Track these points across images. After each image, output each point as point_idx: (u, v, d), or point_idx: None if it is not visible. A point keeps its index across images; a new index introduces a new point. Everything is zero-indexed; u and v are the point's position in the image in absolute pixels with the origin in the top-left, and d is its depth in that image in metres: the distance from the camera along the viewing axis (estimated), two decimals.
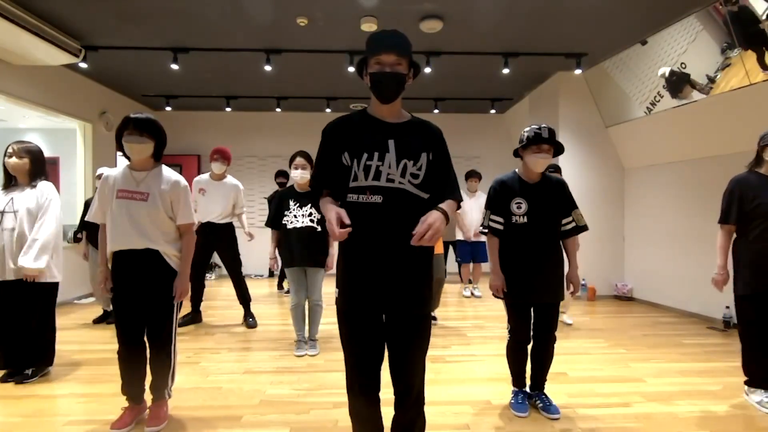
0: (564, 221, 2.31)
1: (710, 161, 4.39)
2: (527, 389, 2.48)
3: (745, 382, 2.53)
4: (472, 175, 5.51)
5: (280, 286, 6.21)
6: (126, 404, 2.24)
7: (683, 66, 4.12)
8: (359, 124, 1.54)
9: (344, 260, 1.52)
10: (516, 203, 2.25)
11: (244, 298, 4.21)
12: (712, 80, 3.89)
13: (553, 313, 2.31)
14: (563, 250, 2.36)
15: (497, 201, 2.30)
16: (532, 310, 2.34)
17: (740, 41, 3.51)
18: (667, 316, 4.68)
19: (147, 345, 2.20)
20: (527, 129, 2.29)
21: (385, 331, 1.52)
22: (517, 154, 2.36)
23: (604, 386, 2.76)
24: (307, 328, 3.46)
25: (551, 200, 2.27)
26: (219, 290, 6.19)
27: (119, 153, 2.16)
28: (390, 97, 1.49)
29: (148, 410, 2.26)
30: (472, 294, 5.69)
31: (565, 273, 2.38)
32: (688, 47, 4.00)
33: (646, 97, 4.71)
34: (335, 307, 1.57)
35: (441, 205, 1.46)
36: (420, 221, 1.35)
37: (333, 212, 1.37)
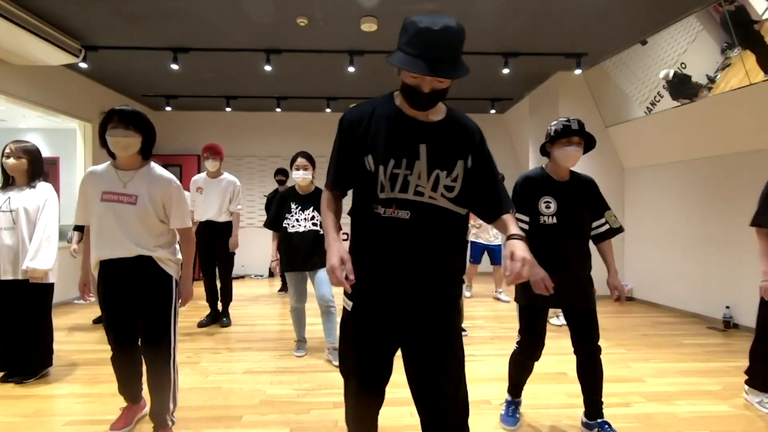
0: (595, 224, 2.14)
1: (710, 161, 4.39)
2: (527, 393, 2.42)
3: (747, 382, 2.51)
4: None
5: (283, 289, 6.08)
6: (124, 404, 2.22)
7: (683, 66, 4.12)
8: (385, 121, 1.27)
9: (364, 276, 1.29)
10: (545, 202, 2.07)
11: (226, 298, 4.22)
12: (712, 80, 3.89)
13: (590, 320, 2.06)
14: (590, 253, 2.16)
15: (523, 198, 2.09)
16: (547, 323, 2.17)
17: (740, 41, 3.51)
18: (667, 316, 4.68)
19: (142, 356, 2.04)
20: (554, 123, 2.11)
21: (412, 361, 1.33)
22: (544, 151, 2.16)
23: (604, 386, 2.74)
24: (306, 330, 3.44)
25: (582, 200, 2.11)
26: None
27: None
28: (424, 109, 1.26)
29: (147, 413, 2.18)
30: (498, 299, 5.48)
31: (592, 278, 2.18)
32: (688, 47, 4.00)
33: (646, 97, 4.72)
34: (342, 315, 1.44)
35: (513, 232, 1.26)
36: (509, 257, 1.17)
37: (336, 256, 1.18)
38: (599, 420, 2.10)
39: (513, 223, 1.32)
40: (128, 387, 2.18)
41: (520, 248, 1.17)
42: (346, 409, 1.48)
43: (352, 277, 1.19)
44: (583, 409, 2.19)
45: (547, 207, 2.07)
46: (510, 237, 1.24)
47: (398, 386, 2.41)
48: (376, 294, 1.30)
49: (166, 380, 1.99)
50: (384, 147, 1.25)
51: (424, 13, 1.19)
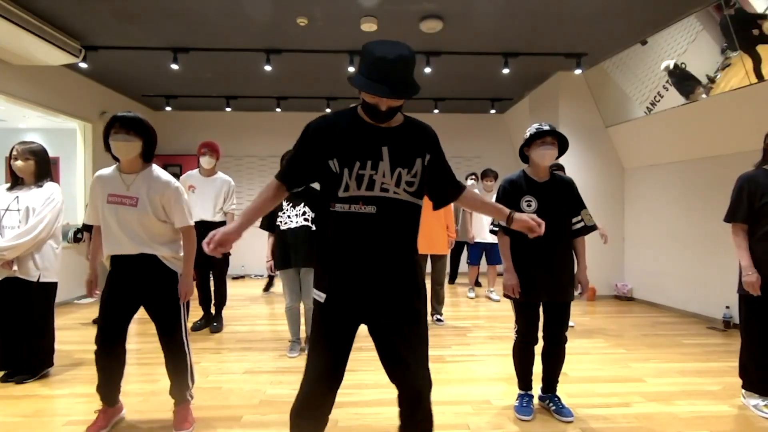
0: (573, 221, 2.30)
1: (710, 161, 4.39)
2: (536, 392, 2.47)
3: (742, 386, 2.52)
4: (488, 174, 5.43)
5: (267, 289, 6.13)
6: (99, 407, 2.17)
7: (683, 66, 4.12)
8: (349, 129, 1.43)
9: (334, 269, 1.45)
10: (526, 201, 2.25)
11: (220, 301, 4.11)
12: (712, 80, 3.89)
13: (564, 313, 2.29)
14: (572, 252, 2.35)
15: (507, 200, 2.29)
16: (540, 310, 2.33)
17: (740, 43, 3.50)
18: (667, 316, 4.68)
19: (161, 346, 2.16)
20: (528, 129, 2.31)
21: (384, 346, 1.46)
22: (523, 157, 2.35)
23: (604, 386, 2.76)
24: (303, 329, 3.46)
25: (560, 199, 2.28)
26: None
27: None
28: (382, 122, 1.42)
29: (173, 413, 2.21)
30: (489, 298, 5.53)
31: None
32: (688, 47, 4.00)
33: (646, 97, 4.72)
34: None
35: (501, 207, 1.65)
36: (527, 218, 1.62)
37: (215, 234, 1.42)
38: (550, 394, 2.42)
39: (478, 195, 1.67)
40: (107, 387, 2.14)
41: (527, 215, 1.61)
42: (297, 399, 1.57)
43: (225, 250, 1.43)
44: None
45: (528, 205, 2.25)
46: (502, 210, 1.64)
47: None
48: (350, 282, 1.43)
49: (183, 364, 2.17)
50: (350, 151, 1.40)
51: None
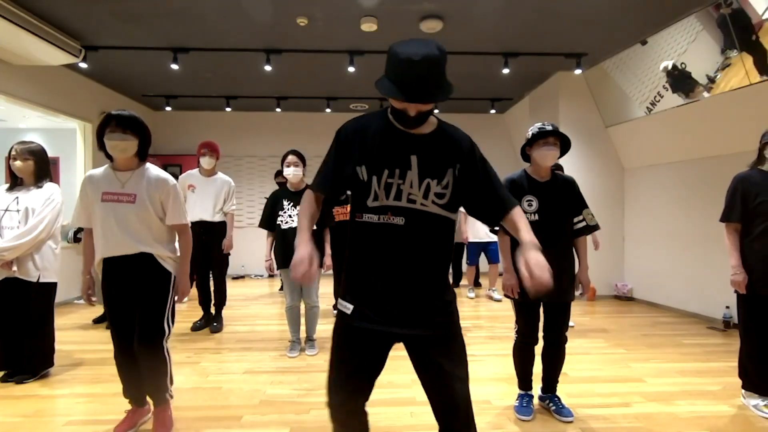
0: (575, 220, 2.30)
1: (710, 161, 4.39)
2: (536, 392, 2.47)
3: (742, 386, 2.52)
4: None
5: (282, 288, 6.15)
6: (128, 407, 2.19)
7: (683, 66, 4.13)
8: (379, 134, 1.35)
9: (362, 280, 1.38)
10: (527, 201, 2.25)
11: (219, 301, 4.11)
12: (712, 80, 3.89)
13: (565, 313, 2.29)
14: (574, 250, 2.35)
15: None
16: (541, 310, 2.33)
17: (740, 43, 3.50)
18: (667, 316, 4.68)
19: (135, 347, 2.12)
20: (531, 128, 2.30)
21: (416, 361, 1.39)
22: (524, 156, 2.34)
23: (604, 386, 2.76)
24: (303, 328, 3.46)
25: (562, 198, 2.27)
26: None
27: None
28: (412, 128, 1.33)
29: (152, 416, 2.20)
30: (491, 297, 5.48)
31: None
32: (688, 47, 4.00)
33: (646, 97, 4.72)
34: (336, 316, 1.46)
35: (524, 237, 1.30)
36: (523, 263, 1.23)
37: (306, 251, 1.31)
38: (550, 394, 2.42)
39: (522, 221, 1.36)
40: (132, 389, 2.16)
41: (533, 254, 1.24)
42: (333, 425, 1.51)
43: (314, 270, 1.31)
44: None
45: (529, 205, 2.24)
46: (523, 242, 1.30)
47: (398, 386, 2.41)
48: (377, 295, 1.35)
49: (162, 364, 2.09)
50: (378, 158, 1.32)
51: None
